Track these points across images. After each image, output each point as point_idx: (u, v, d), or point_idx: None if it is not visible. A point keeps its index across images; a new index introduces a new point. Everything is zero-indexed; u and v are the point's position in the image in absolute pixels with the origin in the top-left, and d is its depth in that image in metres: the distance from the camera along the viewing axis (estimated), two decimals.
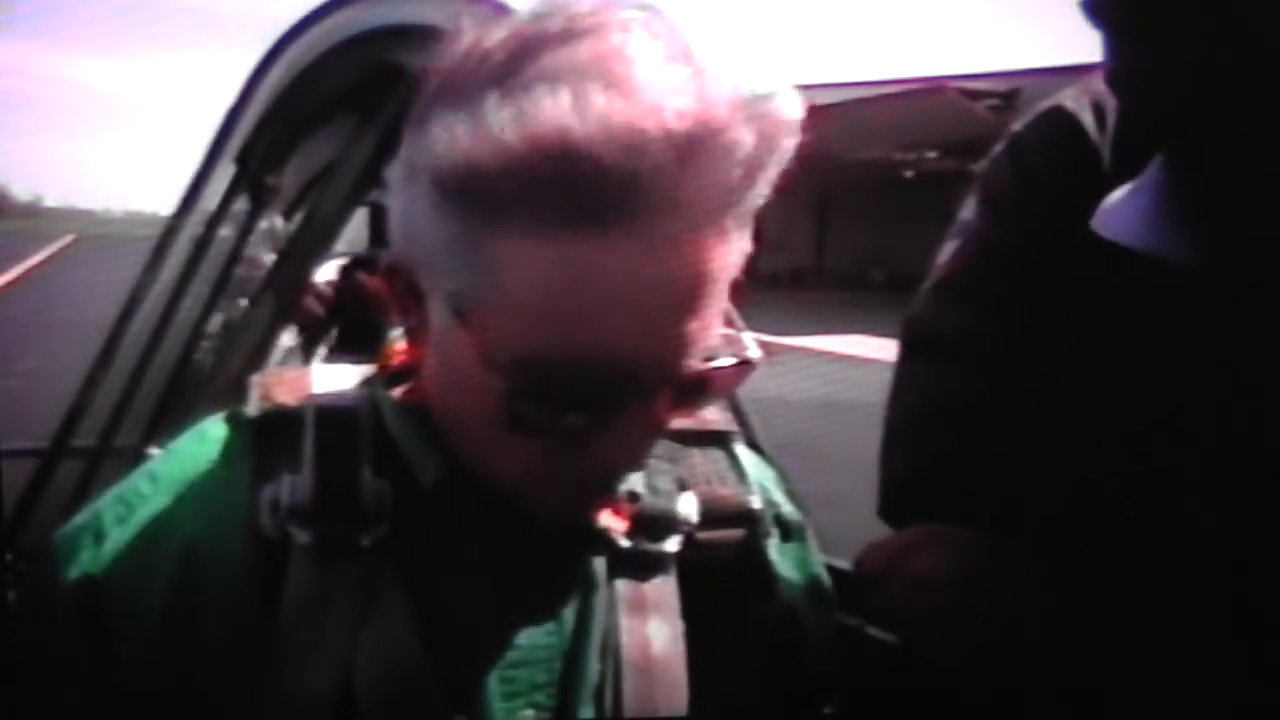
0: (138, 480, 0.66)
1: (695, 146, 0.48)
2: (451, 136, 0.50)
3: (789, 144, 0.53)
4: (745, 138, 0.50)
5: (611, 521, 0.65)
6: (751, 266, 0.56)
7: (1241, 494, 0.62)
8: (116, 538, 0.63)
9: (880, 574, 0.74)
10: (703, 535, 0.68)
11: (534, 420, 0.54)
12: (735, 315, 0.58)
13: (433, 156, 0.51)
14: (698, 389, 0.57)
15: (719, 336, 0.56)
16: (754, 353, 0.58)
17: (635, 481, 0.67)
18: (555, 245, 0.49)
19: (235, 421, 0.65)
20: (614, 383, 0.52)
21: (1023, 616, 0.70)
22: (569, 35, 0.51)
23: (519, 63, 0.50)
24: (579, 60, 0.50)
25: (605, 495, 0.63)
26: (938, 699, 0.88)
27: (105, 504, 0.65)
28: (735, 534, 0.70)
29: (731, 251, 0.54)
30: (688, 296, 0.52)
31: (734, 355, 0.58)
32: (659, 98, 0.49)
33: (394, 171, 0.56)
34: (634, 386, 0.53)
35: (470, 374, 0.55)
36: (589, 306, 0.50)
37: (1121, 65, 0.61)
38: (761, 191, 0.53)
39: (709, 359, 0.56)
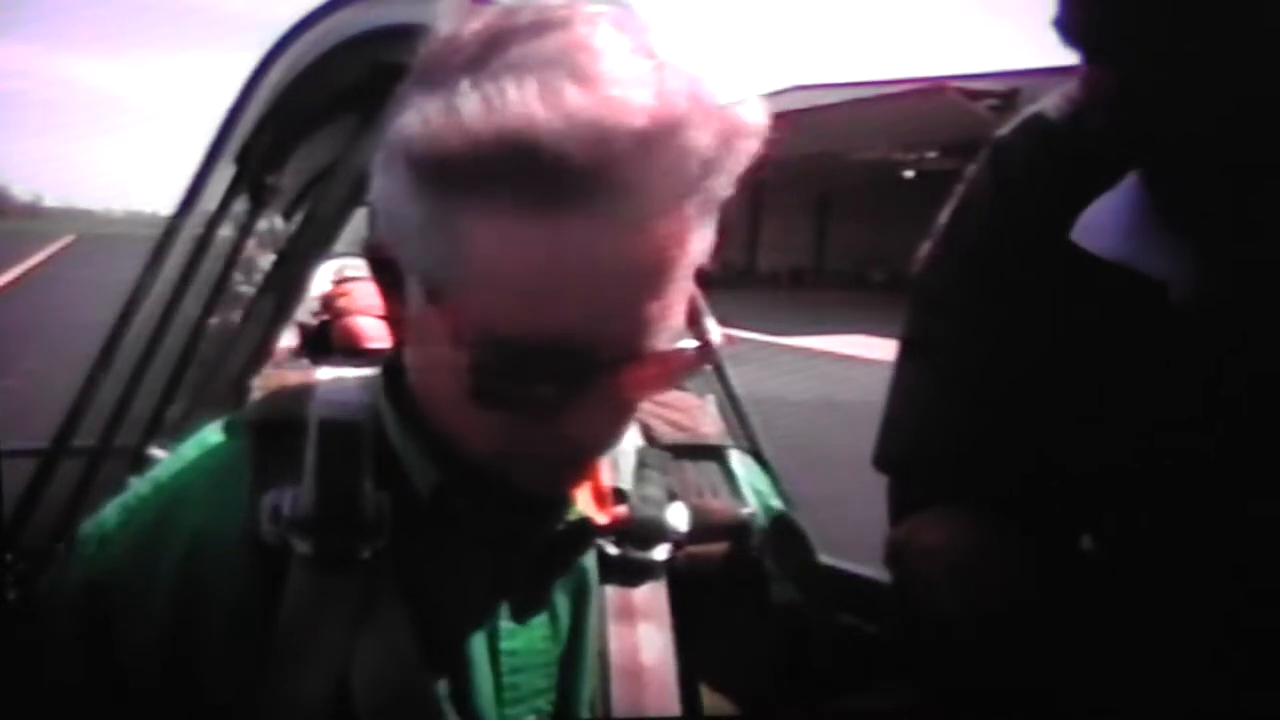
0: (141, 486, 0.66)
1: (654, 136, 0.50)
2: (424, 119, 0.52)
3: (748, 140, 0.54)
4: (704, 131, 0.51)
5: (594, 512, 0.65)
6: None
7: (1215, 505, 0.63)
8: (119, 541, 0.64)
9: (898, 546, 0.83)
10: (694, 546, 0.68)
11: (498, 394, 0.55)
12: (701, 302, 0.59)
13: (406, 138, 0.53)
14: (662, 369, 0.57)
15: (683, 320, 0.57)
16: (715, 336, 0.60)
17: (624, 480, 0.67)
18: (519, 224, 0.51)
19: (237, 428, 0.66)
20: (573, 359, 0.53)
21: (1019, 585, 0.75)
22: (539, 27, 0.53)
23: (490, 52, 0.52)
24: (547, 50, 0.52)
25: (581, 471, 0.63)
26: (938, 697, 0.88)
27: (109, 510, 0.66)
28: (727, 545, 0.69)
29: (693, 239, 0.55)
30: (647, 278, 0.53)
31: (697, 339, 0.58)
32: (623, 88, 0.50)
33: (376, 158, 0.57)
34: (593, 363, 0.54)
35: (441, 350, 0.56)
36: (549, 284, 0.52)
37: (1096, 84, 0.62)
38: (723, 185, 0.54)
39: (674, 341, 0.56)
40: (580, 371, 0.54)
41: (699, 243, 0.56)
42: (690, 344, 0.58)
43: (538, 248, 0.51)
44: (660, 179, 0.51)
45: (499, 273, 0.52)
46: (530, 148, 0.49)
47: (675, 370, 0.59)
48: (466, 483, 0.62)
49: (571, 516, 0.65)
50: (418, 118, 0.52)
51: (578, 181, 0.49)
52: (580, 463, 0.62)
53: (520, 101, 0.49)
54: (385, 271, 0.59)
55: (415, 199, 0.53)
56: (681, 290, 0.56)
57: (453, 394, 0.57)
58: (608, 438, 0.61)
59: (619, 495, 0.67)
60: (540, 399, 0.55)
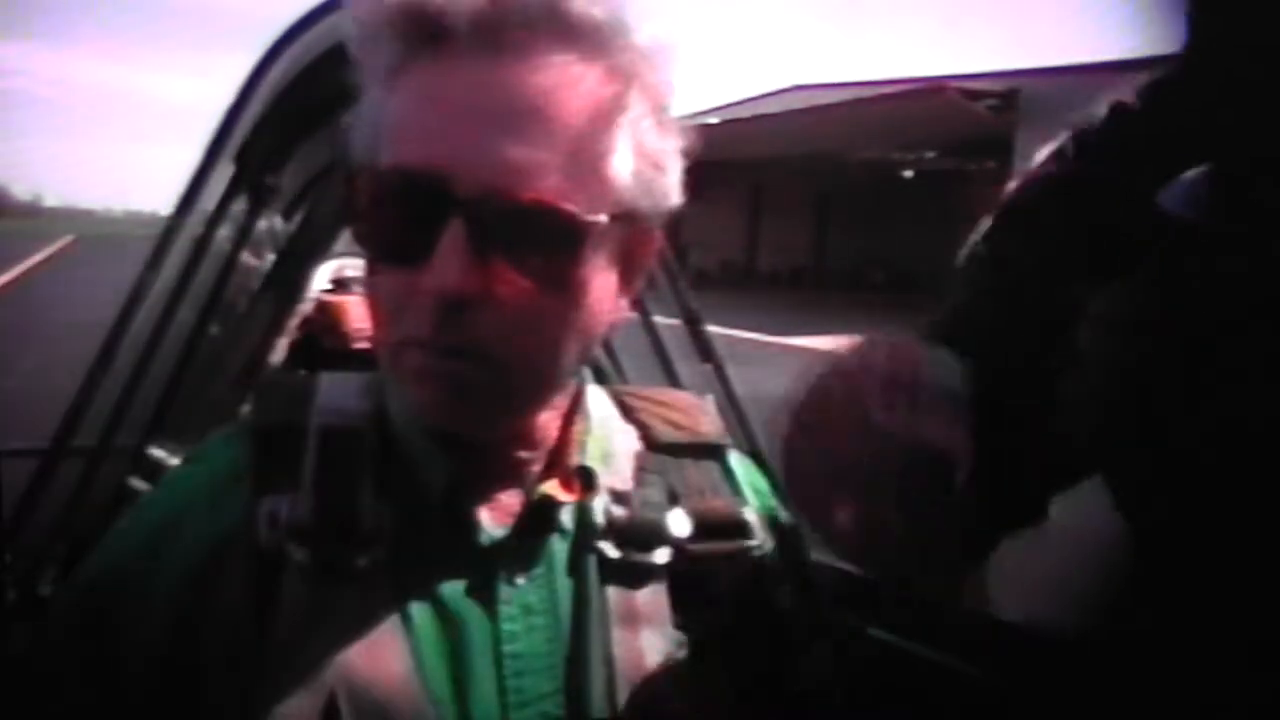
0: (156, 490, 0.67)
1: None
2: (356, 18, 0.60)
3: (655, 38, 0.59)
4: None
5: (558, 493, 0.65)
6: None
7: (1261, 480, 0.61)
8: (124, 542, 0.64)
9: None
10: (695, 547, 0.67)
11: (367, 228, 0.59)
12: (623, 185, 0.59)
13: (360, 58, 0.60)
14: (532, 231, 0.56)
15: (568, 186, 0.56)
16: (655, 216, 0.61)
17: (623, 483, 0.67)
18: (401, 73, 0.57)
19: (237, 434, 0.66)
20: (430, 191, 0.55)
21: None
22: None
23: None
24: None
25: (455, 393, 0.58)
26: (937, 697, 0.89)
27: (123, 518, 0.67)
28: (727, 545, 0.69)
29: (586, 105, 0.57)
30: (512, 118, 0.55)
31: (613, 212, 0.58)
32: None
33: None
34: (451, 199, 0.55)
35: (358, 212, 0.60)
36: (412, 119, 0.56)
37: (1201, 40, 0.58)
38: (626, 64, 0.59)
39: (572, 206, 0.56)
40: (438, 205, 0.55)
41: (593, 101, 0.57)
42: (599, 217, 0.57)
43: (411, 89, 0.57)
44: (522, 24, 0.55)
45: (379, 119, 0.58)
46: (406, 8, 0.56)
47: (574, 241, 0.57)
48: (475, 464, 0.62)
49: (534, 496, 0.64)
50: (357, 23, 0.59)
51: (441, 26, 0.55)
52: (496, 380, 0.58)
53: None
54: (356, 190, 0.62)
55: (364, 97, 0.60)
56: (572, 148, 0.56)
57: (367, 281, 0.61)
58: (519, 339, 0.58)
59: (585, 474, 0.66)
60: (405, 238, 0.56)
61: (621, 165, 0.59)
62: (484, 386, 0.58)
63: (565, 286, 0.58)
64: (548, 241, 0.57)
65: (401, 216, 0.57)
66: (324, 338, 2.60)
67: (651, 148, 0.61)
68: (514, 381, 0.60)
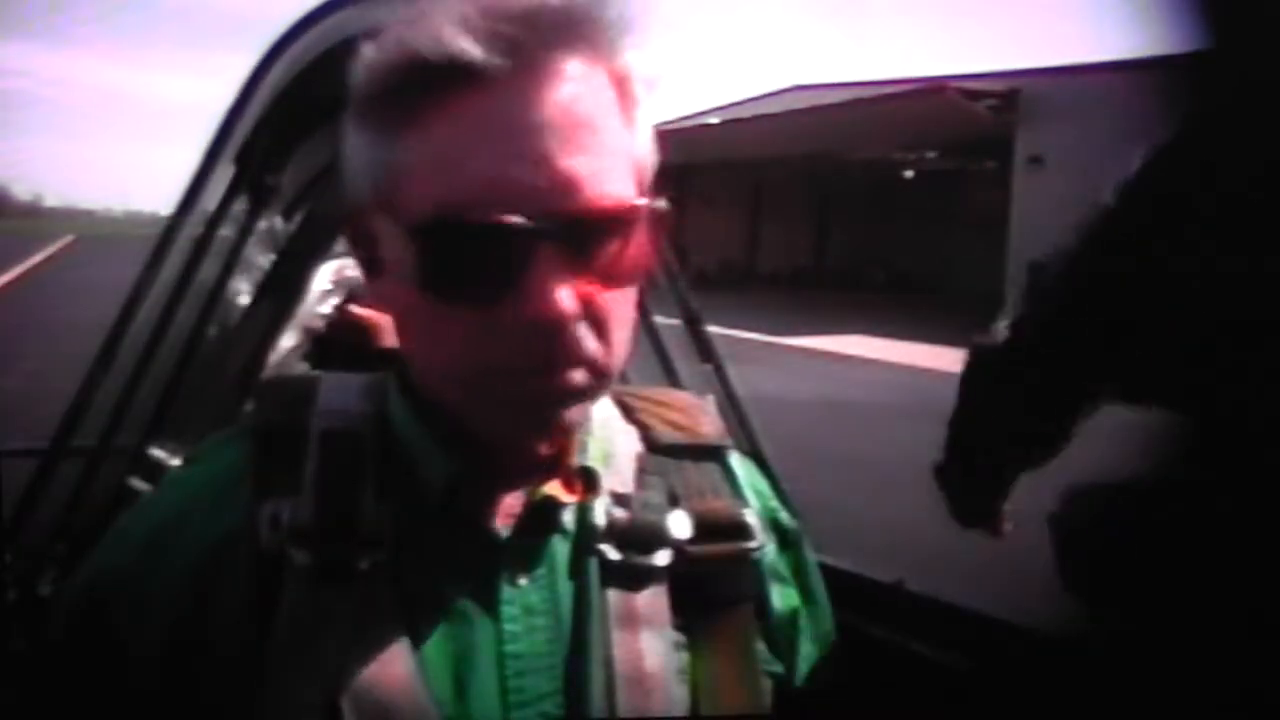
0: (158, 490, 0.67)
1: (542, 7, 0.56)
2: (363, 65, 0.58)
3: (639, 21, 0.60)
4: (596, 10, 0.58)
5: (560, 493, 0.65)
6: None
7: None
8: (127, 542, 0.64)
9: None
10: (695, 549, 0.68)
11: (444, 276, 0.57)
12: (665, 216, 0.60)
13: (353, 88, 0.59)
14: (606, 235, 0.58)
15: (623, 183, 0.58)
16: (661, 202, 0.62)
17: (624, 485, 0.68)
18: (447, 107, 0.55)
19: (238, 435, 0.66)
20: (506, 223, 0.55)
21: None
22: None
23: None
24: None
25: (551, 414, 0.60)
26: (938, 697, 0.89)
27: (123, 518, 0.67)
28: (728, 547, 0.69)
29: (608, 102, 0.59)
30: (565, 133, 0.56)
31: (648, 194, 0.61)
32: None
33: (341, 144, 0.62)
34: (527, 227, 0.55)
35: (397, 262, 0.59)
36: (473, 150, 0.55)
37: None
38: (626, 60, 0.59)
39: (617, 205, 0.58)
40: (514, 239, 0.55)
41: (607, 96, 0.59)
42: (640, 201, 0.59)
43: (463, 121, 0.56)
44: (542, 39, 0.56)
45: (431, 154, 0.56)
46: (434, 40, 0.55)
47: (626, 237, 0.59)
48: (478, 474, 0.62)
49: (536, 497, 0.64)
50: (359, 65, 0.58)
51: (489, 57, 0.54)
52: (595, 389, 0.60)
53: (438, 11, 0.56)
54: (359, 230, 0.62)
55: (364, 131, 0.59)
56: (612, 150, 0.58)
57: (414, 315, 0.60)
58: (579, 348, 0.58)
59: (586, 475, 0.66)
60: (482, 275, 0.56)
61: (642, 149, 0.62)
62: (583, 397, 0.61)
63: (633, 278, 0.61)
64: (620, 241, 0.58)
65: (473, 255, 0.56)
66: (343, 345, 2.57)
67: (652, 125, 0.63)
68: (606, 383, 0.62)
